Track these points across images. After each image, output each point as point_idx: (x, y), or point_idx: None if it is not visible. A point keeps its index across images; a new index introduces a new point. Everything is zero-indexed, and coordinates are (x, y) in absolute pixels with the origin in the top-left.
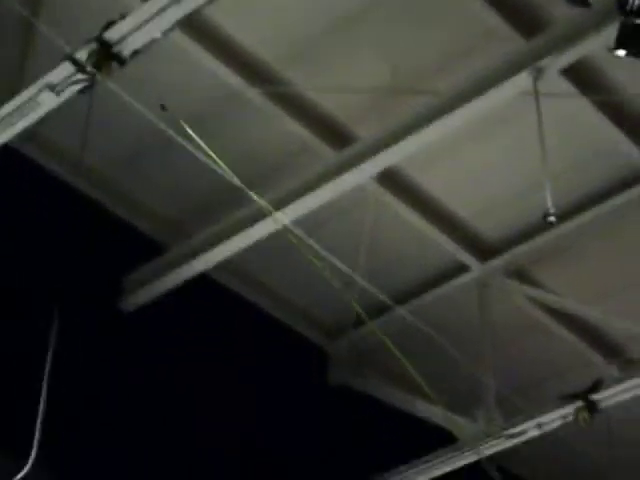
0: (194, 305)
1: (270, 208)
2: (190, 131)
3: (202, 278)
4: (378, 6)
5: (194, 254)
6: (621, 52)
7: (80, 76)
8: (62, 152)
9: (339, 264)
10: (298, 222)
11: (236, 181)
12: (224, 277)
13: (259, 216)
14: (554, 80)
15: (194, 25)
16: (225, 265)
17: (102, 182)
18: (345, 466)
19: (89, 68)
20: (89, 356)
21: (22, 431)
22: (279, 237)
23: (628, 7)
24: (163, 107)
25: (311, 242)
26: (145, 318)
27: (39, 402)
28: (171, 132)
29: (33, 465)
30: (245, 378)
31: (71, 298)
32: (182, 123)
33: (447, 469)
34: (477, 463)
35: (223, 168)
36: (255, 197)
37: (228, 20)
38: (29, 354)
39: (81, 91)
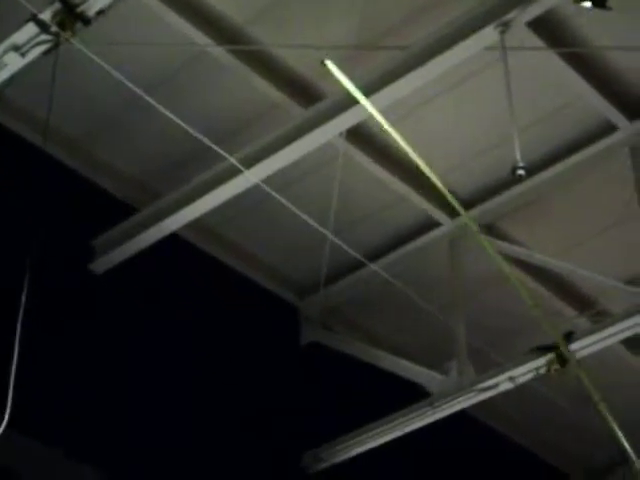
0: (165, 265)
1: (240, 166)
2: (148, 98)
3: (172, 238)
4: None
5: (164, 214)
6: (587, 3)
7: (44, 37)
8: (29, 114)
9: (310, 221)
10: (267, 180)
11: (205, 140)
12: (194, 237)
13: (228, 175)
14: (521, 33)
15: None
16: (195, 225)
17: (69, 144)
18: (318, 423)
19: (53, 28)
20: (61, 318)
21: None
22: (249, 195)
23: None
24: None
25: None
26: (116, 279)
27: (11, 364)
28: (138, 92)
29: (7, 426)
30: (217, 337)
31: (42, 261)
32: (140, 92)
33: (420, 424)
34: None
35: (188, 129)
36: (225, 155)
37: None
38: (0, 317)
39: (46, 52)
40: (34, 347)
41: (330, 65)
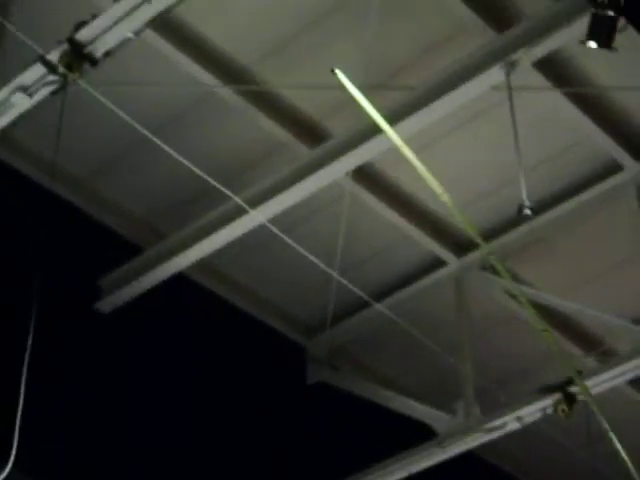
0: (171, 305)
1: (246, 206)
2: (155, 139)
3: (179, 278)
4: (350, 2)
5: (170, 254)
6: (593, 44)
7: (52, 77)
8: (36, 154)
9: (316, 261)
10: (274, 220)
11: (211, 180)
12: (201, 276)
13: (235, 214)
14: (527, 73)
15: (166, 24)
16: (202, 264)
17: (77, 184)
18: (325, 463)
19: (61, 69)
20: (68, 358)
21: (1, 433)
22: (255, 235)
23: None
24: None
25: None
26: (123, 319)
27: (18, 404)
28: (145, 132)
29: (13, 467)
30: (223, 377)
31: (49, 300)
32: (146, 132)
33: (428, 464)
34: (458, 457)
35: (194, 169)
36: (231, 195)
37: (201, 19)
38: (7, 356)
39: (54, 92)
40: (41, 386)
41: (340, 74)
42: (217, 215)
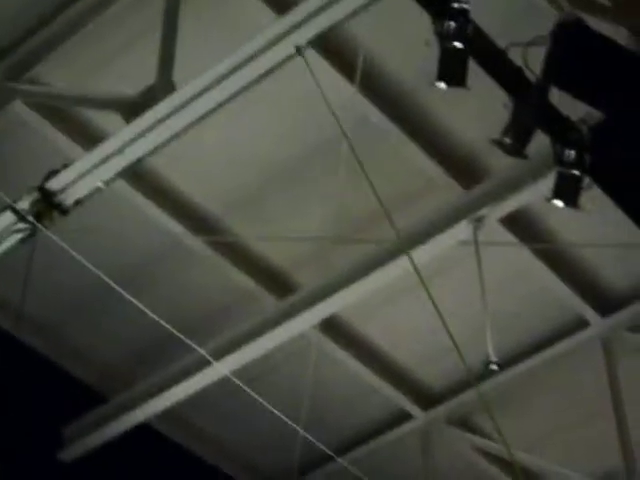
0: (135, 455)
1: (211, 359)
2: (122, 291)
3: (143, 427)
4: (320, 156)
5: (135, 404)
6: (558, 202)
7: (21, 225)
8: (3, 301)
9: (282, 416)
10: (240, 371)
11: (177, 332)
12: (165, 426)
13: (200, 365)
14: (493, 229)
15: (137, 174)
16: (166, 414)
17: (42, 330)
18: None
19: (30, 218)
20: None
21: None
22: (221, 386)
23: (565, 158)
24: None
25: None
26: (85, 468)
27: None
28: (111, 283)
29: None
30: None
31: (10, 448)
32: (113, 284)
33: None
34: None
35: (161, 321)
36: (195, 347)
37: (171, 169)
38: None
39: (22, 240)
40: None
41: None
42: (182, 366)
